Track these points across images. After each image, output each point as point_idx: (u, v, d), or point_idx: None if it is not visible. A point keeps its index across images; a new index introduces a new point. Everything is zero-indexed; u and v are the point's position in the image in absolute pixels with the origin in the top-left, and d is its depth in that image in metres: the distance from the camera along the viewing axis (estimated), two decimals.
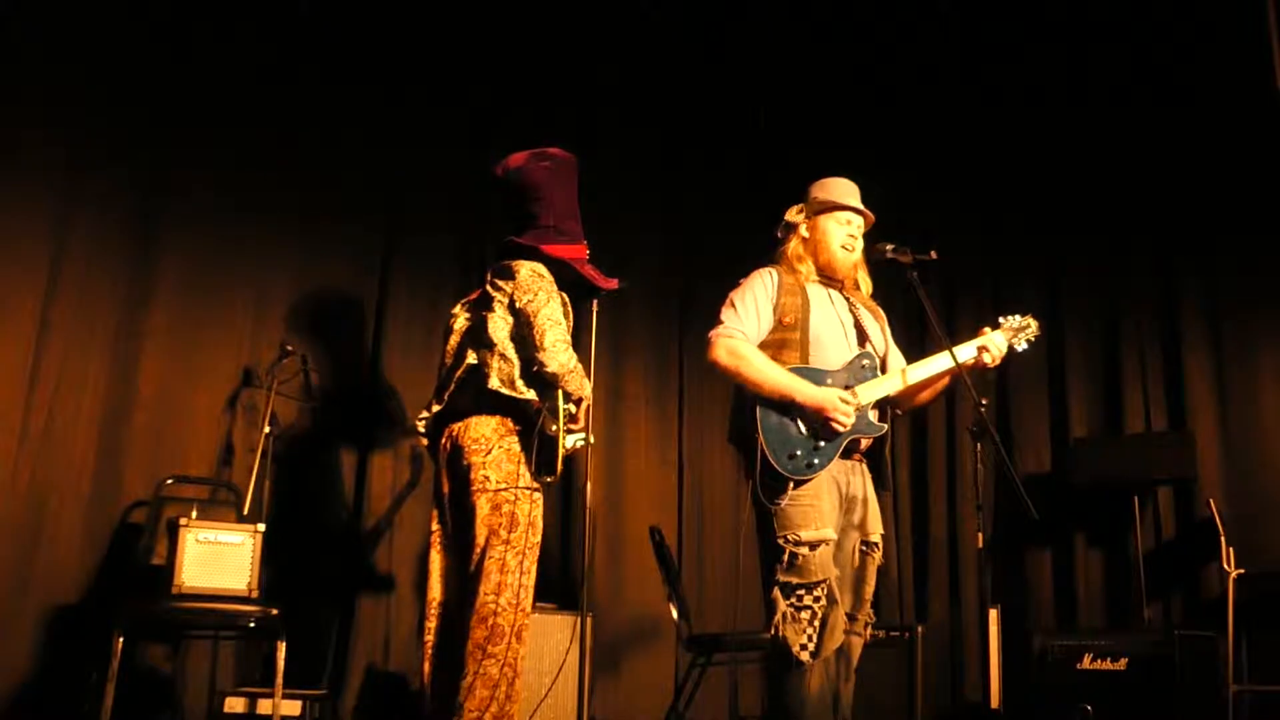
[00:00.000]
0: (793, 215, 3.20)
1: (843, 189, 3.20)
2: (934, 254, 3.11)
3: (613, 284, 3.48)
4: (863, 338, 3.11)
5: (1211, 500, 4.96)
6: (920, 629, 4.68)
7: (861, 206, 3.18)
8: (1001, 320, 3.23)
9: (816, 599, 2.86)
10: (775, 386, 2.95)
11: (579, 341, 3.29)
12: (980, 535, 4.70)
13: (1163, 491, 5.26)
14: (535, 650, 3.91)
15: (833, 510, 2.94)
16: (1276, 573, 4.72)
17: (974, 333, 3.22)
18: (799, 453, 2.92)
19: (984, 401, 3.04)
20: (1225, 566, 4.73)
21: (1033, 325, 3.24)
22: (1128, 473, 5.13)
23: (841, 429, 2.92)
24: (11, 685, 3.72)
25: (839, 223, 3.15)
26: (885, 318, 3.27)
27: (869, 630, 3.07)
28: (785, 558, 2.89)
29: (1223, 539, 4.80)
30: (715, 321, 3.11)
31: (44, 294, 3.98)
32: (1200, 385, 5.34)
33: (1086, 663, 4.60)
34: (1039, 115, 5.81)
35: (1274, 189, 5.17)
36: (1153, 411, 5.42)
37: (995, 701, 4.66)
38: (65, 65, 4.13)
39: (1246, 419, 5.24)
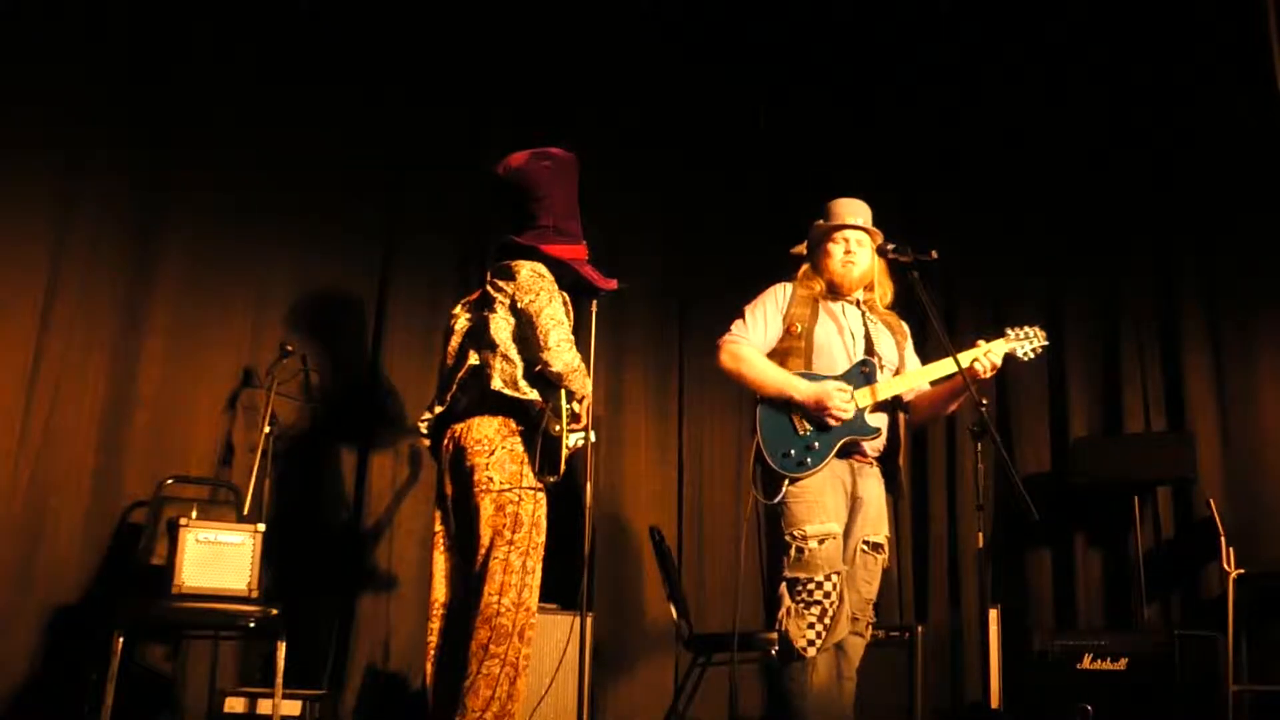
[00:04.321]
0: (798, 248, 3.35)
1: (841, 209, 3.27)
2: (934, 254, 3.14)
3: (612, 284, 3.48)
4: (870, 349, 3.15)
5: (1211, 500, 4.96)
6: (920, 629, 4.68)
7: (857, 223, 3.23)
8: (1009, 331, 3.26)
9: (826, 594, 2.91)
10: (774, 385, 3.08)
11: (579, 342, 3.29)
12: (980, 535, 4.71)
13: (1163, 491, 5.26)
14: (536, 650, 3.90)
15: (838, 507, 3.01)
16: (1276, 573, 4.72)
17: (975, 331, 3.27)
18: (793, 451, 3.02)
19: (984, 401, 3.06)
20: (1225, 566, 4.73)
21: (1039, 336, 3.26)
22: (1128, 473, 5.13)
23: (844, 415, 3.00)
24: (11, 685, 3.72)
25: (835, 241, 3.24)
26: (908, 332, 3.35)
27: (870, 630, 3.09)
28: (792, 553, 2.95)
29: (1223, 539, 4.80)
30: (726, 330, 3.25)
31: (44, 294, 3.97)
32: (1200, 385, 5.33)
33: (1086, 663, 4.60)
34: (1039, 115, 5.80)
35: (1274, 189, 5.17)
36: (1153, 411, 5.42)
37: (995, 701, 4.66)
38: (65, 65, 4.13)
39: (1246, 419, 5.23)
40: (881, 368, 3.15)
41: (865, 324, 3.22)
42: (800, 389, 3.05)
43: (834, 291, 3.25)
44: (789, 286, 3.27)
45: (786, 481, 3.00)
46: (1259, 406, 5.22)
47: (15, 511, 3.82)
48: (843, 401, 3.01)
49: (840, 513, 3.01)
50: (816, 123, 5.95)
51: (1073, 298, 5.69)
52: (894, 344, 3.25)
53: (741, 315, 3.26)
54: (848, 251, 3.21)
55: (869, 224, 3.24)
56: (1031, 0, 5.54)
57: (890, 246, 3.19)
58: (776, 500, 2.98)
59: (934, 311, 3.09)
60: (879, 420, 3.10)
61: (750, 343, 3.18)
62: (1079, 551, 5.39)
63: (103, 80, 4.22)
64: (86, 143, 4.15)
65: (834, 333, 3.18)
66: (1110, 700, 4.47)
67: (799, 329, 3.16)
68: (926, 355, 3.40)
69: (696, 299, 5.65)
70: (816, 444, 3.01)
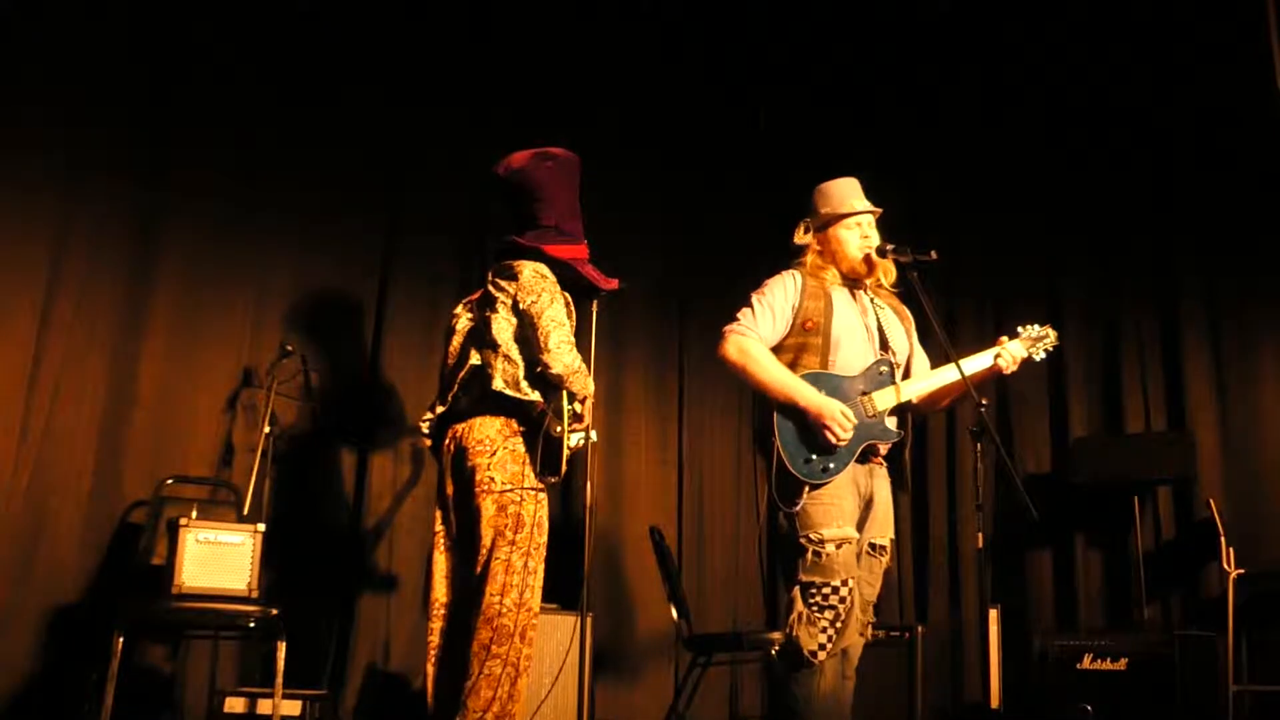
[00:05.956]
0: (800, 237, 3.21)
1: (843, 192, 3.20)
2: (934, 254, 3.12)
3: (613, 284, 3.48)
4: (885, 342, 3.12)
5: (1211, 500, 4.97)
6: (920, 629, 4.68)
7: (866, 205, 3.19)
8: (1020, 330, 3.25)
9: (842, 599, 2.88)
10: (780, 388, 2.99)
11: (579, 341, 3.29)
12: (980, 535, 4.71)
13: (1163, 491, 5.27)
14: (536, 650, 3.90)
15: (854, 510, 2.98)
16: (1276, 573, 4.73)
17: (976, 330, 3.24)
18: (814, 457, 2.95)
19: (984, 401, 3.05)
20: (1225, 566, 4.73)
21: (1051, 335, 3.25)
22: (1128, 473, 5.14)
23: (835, 441, 2.93)
24: (11, 685, 3.71)
25: (849, 228, 3.16)
26: (911, 319, 3.29)
27: (869, 630, 3.09)
28: (809, 556, 2.91)
29: (1223, 539, 4.80)
30: (732, 318, 3.14)
31: (44, 294, 3.97)
32: (1200, 385, 5.34)
33: (1086, 663, 4.61)
34: (1039, 115, 5.81)
35: (1274, 189, 5.17)
36: (1153, 411, 5.43)
37: (995, 701, 4.66)
38: (65, 66, 4.12)
39: (1246, 419, 5.24)
40: (898, 365, 3.11)
41: (878, 314, 3.16)
42: (805, 397, 2.94)
43: (849, 280, 3.17)
44: (797, 276, 3.13)
45: (807, 488, 2.93)
46: (1259, 406, 5.23)
47: (15, 511, 3.82)
48: (841, 427, 2.92)
49: (856, 516, 2.98)
50: (816, 123, 5.95)
51: (1073, 298, 5.69)
52: (903, 333, 3.20)
53: (749, 304, 3.12)
54: (864, 236, 3.14)
55: (868, 201, 3.20)
56: (1032, 1, 5.54)
57: (890, 246, 3.14)
58: (796, 508, 2.92)
59: (934, 313, 3.08)
60: (896, 422, 3.09)
61: (758, 336, 3.06)
62: (1079, 551, 5.39)
63: (103, 80, 4.21)
64: (86, 143, 4.14)
65: (852, 327, 3.08)
66: (1110, 700, 4.47)
67: (813, 323, 3.04)
68: (927, 354, 3.38)
69: (696, 299, 5.64)
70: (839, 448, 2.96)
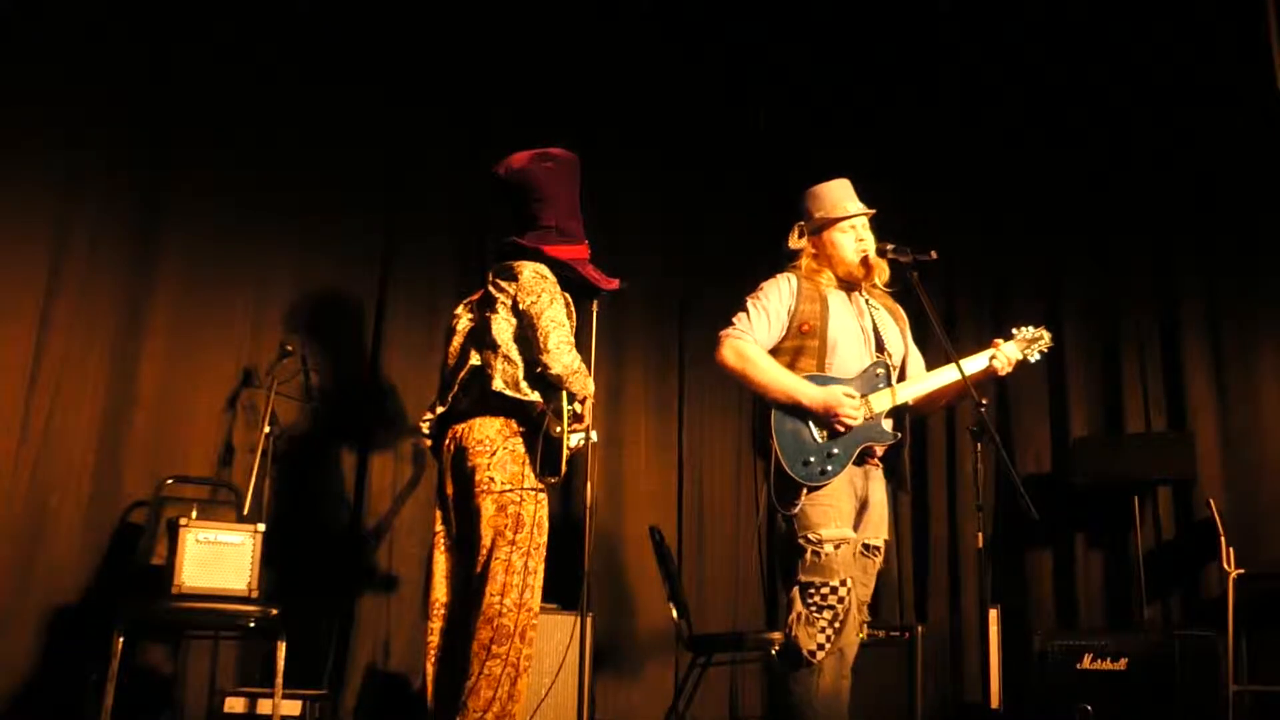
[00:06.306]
0: (795, 242, 3.20)
1: (836, 195, 3.19)
2: (934, 254, 3.12)
3: (614, 284, 3.49)
4: (880, 344, 3.12)
5: (1211, 500, 4.97)
6: (920, 629, 4.69)
7: (860, 207, 3.18)
8: (1015, 331, 3.25)
9: (841, 599, 2.89)
10: (781, 389, 2.99)
11: (580, 341, 3.29)
12: (980, 535, 4.71)
13: (1163, 491, 5.26)
14: (536, 651, 3.90)
15: (851, 511, 2.99)
16: (1276, 573, 4.73)
17: (975, 330, 3.23)
18: (813, 460, 2.96)
19: (984, 401, 3.05)
20: (1225, 566, 4.74)
21: (1045, 337, 3.25)
22: (1128, 473, 5.13)
23: (851, 422, 2.94)
24: (11, 685, 3.72)
25: (844, 231, 3.15)
26: (906, 318, 3.29)
27: (864, 630, 3.09)
28: (808, 557, 2.91)
29: (1223, 539, 4.80)
30: (727, 323, 3.14)
31: (44, 294, 3.97)
32: (1200, 385, 5.34)
33: (1086, 663, 4.61)
34: (1039, 115, 5.81)
35: (1274, 189, 5.17)
36: (1153, 411, 5.43)
37: (995, 701, 4.66)
38: (65, 66, 4.12)
39: (1246, 419, 5.24)
40: (894, 367, 3.11)
41: (873, 315, 3.16)
42: (808, 394, 2.96)
43: (845, 282, 3.16)
44: (793, 279, 3.13)
45: (805, 490, 2.94)
46: (1259, 406, 5.23)
47: (15, 512, 3.82)
48: (852, 408, 2.94)
49: (853, 518, 2.99)
50: (817, 122, 5.95)
51: (1073, 298, 5.69)
52: (898, 333, 3.21)
53: (744, 308, 3.12)
54: (859, 239, 3.14)
55: (862, 202, 3.19)
56: (1032, 1, 5.54)
57: (890, 247, 3.13)
58: (795, 510, 2.93)
59: (935, 313, 3.08)
60: (893, 423, 3.09)
61: (755, 340, 3.06)
62: (1079, 551, 5.39)
63: (103, 80, 4.21)
64: (86, 143, 4.14)
65: (848, 330, 3.08)
66: (1110, 700, 4.47)
67: (810, 326, 3.04)
68: (926, 354, 3.39)
69: (696, 299, 5.65)
70: (836, 450, 2.95)
